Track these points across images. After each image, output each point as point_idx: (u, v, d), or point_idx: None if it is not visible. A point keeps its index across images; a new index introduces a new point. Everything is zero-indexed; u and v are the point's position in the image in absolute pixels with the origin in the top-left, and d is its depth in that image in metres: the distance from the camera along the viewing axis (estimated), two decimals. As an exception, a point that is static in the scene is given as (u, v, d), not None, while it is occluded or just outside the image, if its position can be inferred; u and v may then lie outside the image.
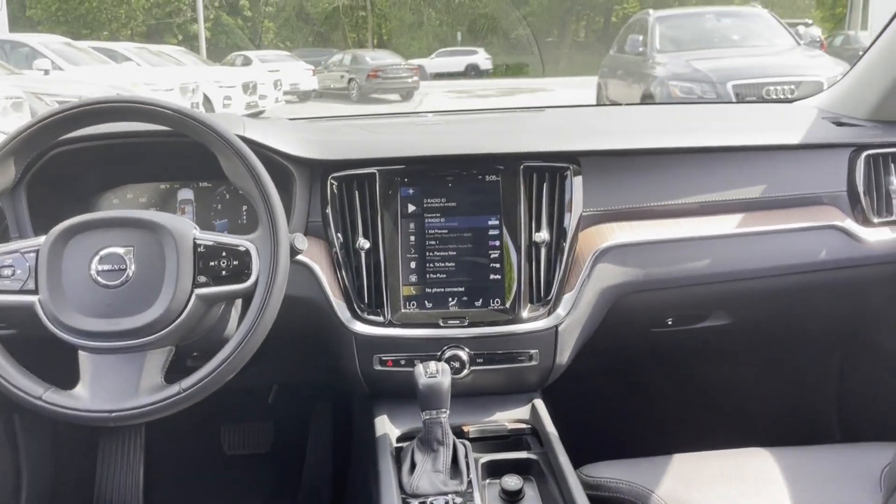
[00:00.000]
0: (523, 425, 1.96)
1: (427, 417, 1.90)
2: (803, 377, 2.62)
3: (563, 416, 1.98)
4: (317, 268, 2.03)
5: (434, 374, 1.76)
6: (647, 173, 2.14)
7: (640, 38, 11.90)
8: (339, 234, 2.04)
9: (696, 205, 2.08)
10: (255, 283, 1.60)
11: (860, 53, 2.28)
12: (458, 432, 2.01)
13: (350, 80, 20.21)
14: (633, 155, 2.13)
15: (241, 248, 1.62)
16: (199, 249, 1.59)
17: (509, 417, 1.99)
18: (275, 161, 1.96)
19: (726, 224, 2.05)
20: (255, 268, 1.61)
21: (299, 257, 1.86)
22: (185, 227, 1.60)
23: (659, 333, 2.40)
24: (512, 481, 1.71)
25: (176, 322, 1.54)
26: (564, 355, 2.20)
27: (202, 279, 1.58)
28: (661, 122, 2.61)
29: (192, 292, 1.57)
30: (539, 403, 2.19)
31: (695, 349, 2.43)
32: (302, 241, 1.74)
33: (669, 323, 2.36)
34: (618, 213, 2.16)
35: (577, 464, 1.75)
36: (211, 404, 1.60)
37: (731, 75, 9.46)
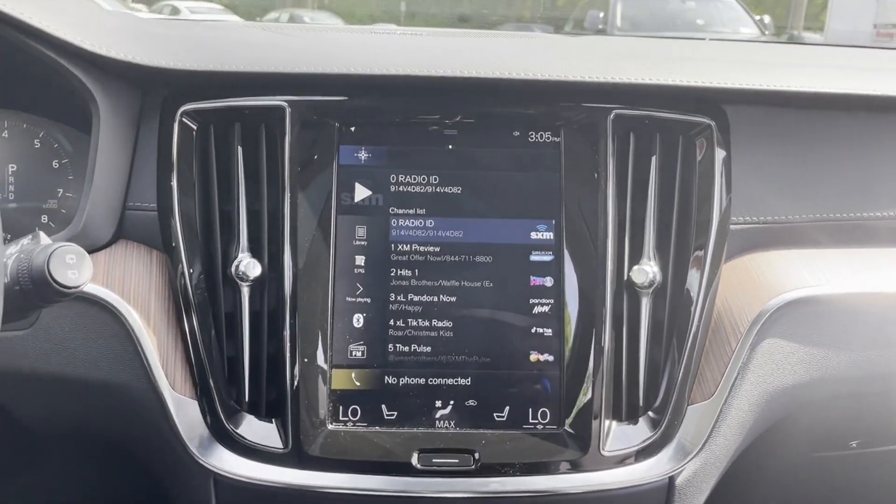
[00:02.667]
0: None
1: None
2: None
3: None
4: (135, 316, 0.98)
5: None
6: (852, 151, 1.14)
7: (601, 14, 11.09)
8: (195, 242, 0.99)
9: None
10: None
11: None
12: None
13: (284, 40, 18.89)
14: (837, 109, 1.14)
15: None
16: None
17: None
18: (45, 64, 0.98)
19: None
20: None
21: (86, 290, 0.92)
22: None
23: (824, 460, 1.23)
24: None
25: None
26: None
27: None
28: (825, 61, 1.42)
29: None
30: None
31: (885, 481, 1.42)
32: (78, 260, 0.79)
33: (854, 445, 1.18)
34: (792, 231, 1.12)
35: None
36: None
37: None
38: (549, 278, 1.01)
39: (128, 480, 1.45)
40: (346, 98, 1.03)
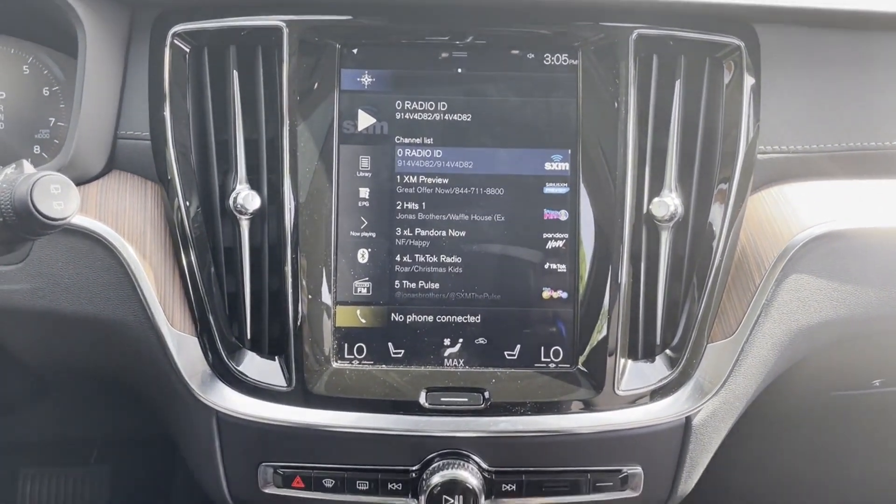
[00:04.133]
0: None
1: None
2: None
3: None
4: (130, 251, 0.94)
5: None
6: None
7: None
8: (191, 173, 0.95)
9: None
10: None
11: None
12: None
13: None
14: (880, 30, 1.05)
15: None
16: None
17: None
18: None
19: None
20: None
21: (77, 222, 0.90)
22: None
23: (844, 399, 1.20)
24: None
25: None
26: (696, 472, 1.02)
27: None
28: None
29: None
30: None
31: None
32: (64, 191, 0.76)
33: (877, 384, 1.15)
34: (824, 162, 1.04)
35: None
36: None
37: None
38: (563, 212, 0.95)
39: (132, 418, 1.45)
40: (348, 17, 0.96)
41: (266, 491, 0.95)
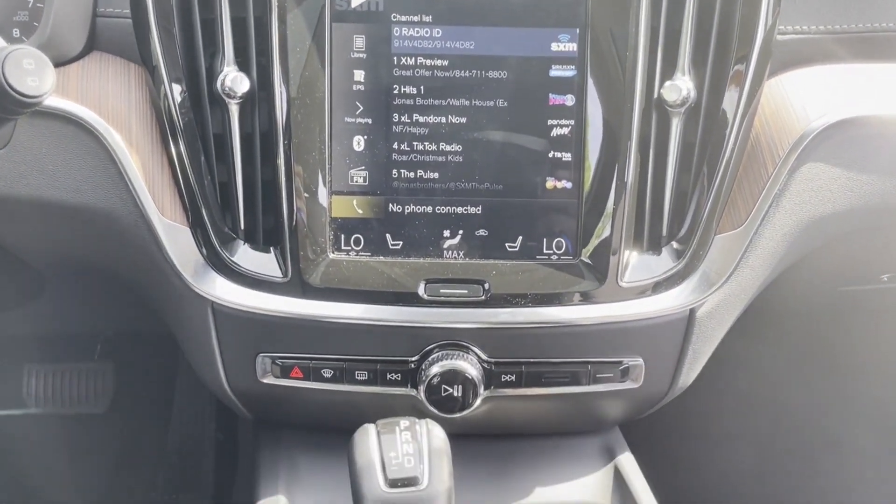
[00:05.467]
0: None
1: None
2: None
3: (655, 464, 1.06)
4: (116, 137, 0.90)
5: (403, 460, 0.72)
6: None
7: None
8: (176, 54, 0.89)
9: None
10: None
11: None
12: None
13: None
14: None
15: None
16: None
17: (563, 499, 1.02)
18: None
19: None
20: None
21: (57, 105, 0.87)
22: None
23: (851, 294, 1.19)
24: None
25: None
26: (697, 365, 1.01)
27: None
28: None
29: None
30: (627, 464, 1.00)
31: None
32: (38, 66, 0.73)
33: (885, 279, 1.13)
34: (847, 43, 0.97)
35: None
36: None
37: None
38: (570, 96, 0.90)
39: (134, 314, 1.44)
40: None
41: (264, 381, 0.94)
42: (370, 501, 0.69)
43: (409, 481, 0.70)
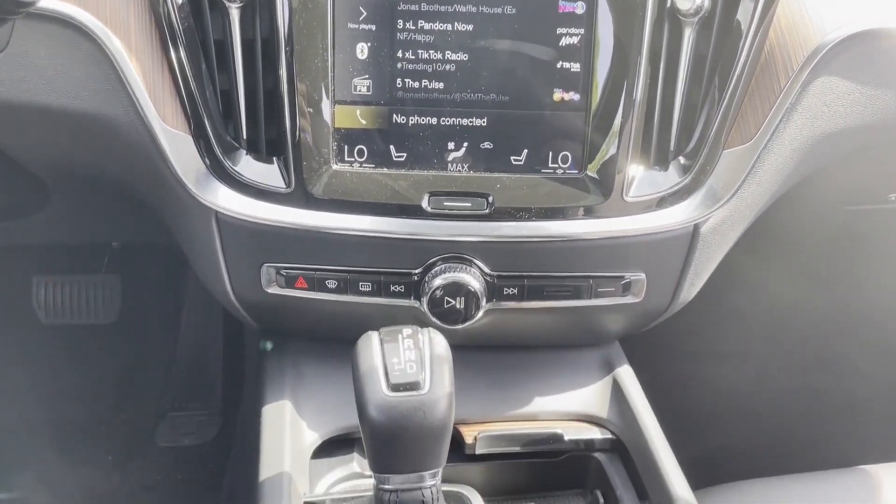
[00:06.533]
0: (595, 430, 1.03)
1: (388, 488, 0.73)
2: None
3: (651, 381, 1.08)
4: (115, 42, 0.88)
5: (405, 366, 0.72)
6: None
7: None
8: None
9: None
10: None
11: None
12: (455, 441, 0.89)
13: None
14: None
15: None
16: None
17: (561, 409, 1.04)
18: None
19: None
20: None
21: (53, 6, 0.85)
22: None
23: (856, 214, 1.18)
24: None
25: None
26: (699, 280, 1.02)
27: None
28: None
29: None
30: (626, 376, 1.02)
31: None
32: None
33: (893, 199, 1.12)
34: None
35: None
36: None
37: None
38: (580, 3, 0.87)
39: (140, 225, 1.44)
40: None
41: (269, 291, 0.95)
42: (373, 405, 0.70)
43: (411, 386, 0.71)
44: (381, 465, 0.74)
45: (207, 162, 0.90)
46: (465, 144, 0.91)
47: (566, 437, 1.00)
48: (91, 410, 1.90)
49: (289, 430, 0.96)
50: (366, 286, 0.94)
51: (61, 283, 1.90)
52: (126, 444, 1.84)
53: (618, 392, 1.03)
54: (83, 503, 1.72)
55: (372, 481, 0.77)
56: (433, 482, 0.74)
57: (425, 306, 0.92)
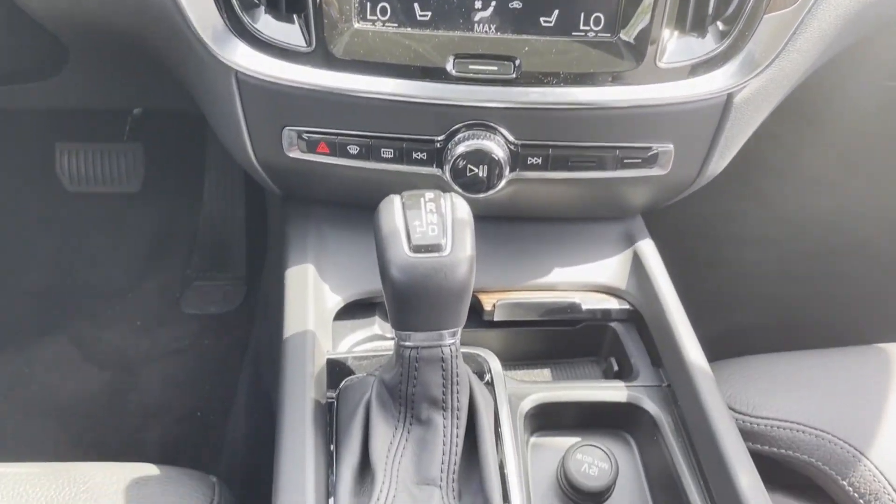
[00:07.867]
0: (612, 301, 1.04)
1: (408, 345, 0.75)
2: None
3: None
4: None
5: (427, 228, 0.72)
6: None
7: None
8: None
9: None
10: None
11: None
12: (474, 308, 0.94)
13: None
14: None
15: None
16: None
17: (580, 280, 1.04)
18: None
19: None
20: None
21: None
22: None
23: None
24: (594, 461, 0.83)
25: None
26: (728, 153, 0.99)
27: None
28: None
29: None
30: (647, 249, 1.02)
31: None
32: None
33: None
34: None
35: None
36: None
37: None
38: None
39: (161, 91, 1.42)
40: None
41: (291, 155, 0.94)
42: (395, 266, 0.70)
43: (433, 248, 0.70)
44: (402, 323, 0.75)
45: (226, 17, 0.87)
46: (493, 3, 0.86)
47: (584, 307, 1.01)
48: (118, 278, 1.95)
49: (312, 292, 0.97)
50: (388, 153, 0.92)
51: (84, 150, 1.90)
52: (154, 312, 1.89)
53: (638, 265, 1.03)
54: (115, 365, 1.79)
55: (393, 342, 0.78)
56: (452, 340, 0.75)
57: (448, 174, 0.91)
